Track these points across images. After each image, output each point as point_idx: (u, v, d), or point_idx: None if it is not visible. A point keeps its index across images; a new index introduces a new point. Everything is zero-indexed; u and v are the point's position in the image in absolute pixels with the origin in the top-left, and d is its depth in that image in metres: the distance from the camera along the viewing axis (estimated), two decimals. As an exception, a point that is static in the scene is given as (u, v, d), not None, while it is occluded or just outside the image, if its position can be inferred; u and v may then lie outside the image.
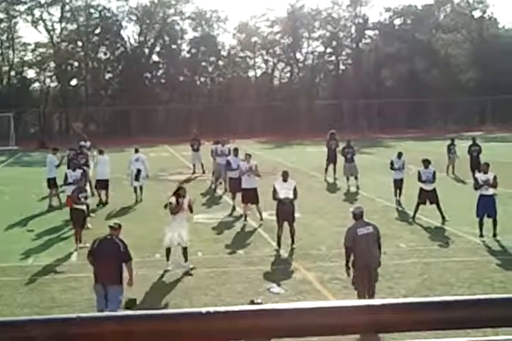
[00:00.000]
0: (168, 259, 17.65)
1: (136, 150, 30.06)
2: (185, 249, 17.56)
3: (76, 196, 20.80)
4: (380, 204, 26.16)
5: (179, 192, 17.72)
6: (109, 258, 13.13)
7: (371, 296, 13.42)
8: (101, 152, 29.62)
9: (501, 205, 21.36)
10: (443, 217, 22.78)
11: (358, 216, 13.97)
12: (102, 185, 28.25)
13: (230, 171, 26.57)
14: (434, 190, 23.09)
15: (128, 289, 13.78)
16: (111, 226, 13.87)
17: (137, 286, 16.11)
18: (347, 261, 13.76)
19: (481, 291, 14.71)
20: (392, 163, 27.31)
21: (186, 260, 17.54)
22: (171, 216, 17.69)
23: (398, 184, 26.94)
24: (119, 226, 13.96)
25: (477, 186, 20.69)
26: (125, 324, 1.52)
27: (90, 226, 22.85)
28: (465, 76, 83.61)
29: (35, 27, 78.65)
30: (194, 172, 36.80)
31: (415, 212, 23.15)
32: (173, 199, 17.70)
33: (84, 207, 21.19)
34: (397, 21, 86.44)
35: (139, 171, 29.04)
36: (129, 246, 20.06)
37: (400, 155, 27.54)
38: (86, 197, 21.26)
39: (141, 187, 29.09)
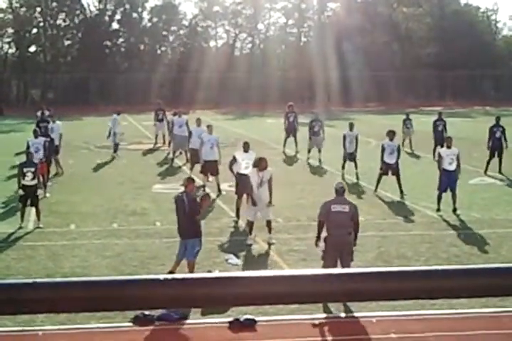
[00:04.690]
0: (250, 233, 17.44)
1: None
2: (269, 222, 17.46)
3: (21, 170, 18.98)
4: (339, 177, 26.26)
5: (258, 165, 17.49)
6: (181, 215, 14.18)
7: None
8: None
9: (458, 181, 21.54)
10: (401, 191, 22.96)
11: (338, 192, 13.70)
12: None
13: (192, 142, 26.40)
14: (397, 163, 23.17)
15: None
16: (183, 184, 14.65)
17: (94, 255, 16.09)
18: (318, 234, 13.65)
19: (437, 265, 14.87)
20: (344, 137, 27.27)
21: (270, 232, 17.42)
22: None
23: (349, 157, 26.89)
24: (189, 180, 14.65)
25: (440, 160, 20.77)
26: (82, 289, 1.51)
27: (48, 195, 22.73)
28: (425, 50, 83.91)
29: (-6, -8, 77.41)
30: (156, 143, 36.56)
31: (377, 183, 23.24)
32: (253, 172, 17.56)
33: (31, 183, 18.73)
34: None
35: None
36: (86, 215, 20.07)
37: (351, 126, 27.50)
38: (34, 173, 18.76)
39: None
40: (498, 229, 18.65)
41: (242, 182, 19.17)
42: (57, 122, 29.15)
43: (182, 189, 14.85)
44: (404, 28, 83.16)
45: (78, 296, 1.50)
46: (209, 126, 24.65)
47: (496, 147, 27.89)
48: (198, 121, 26.88)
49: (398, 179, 23.08)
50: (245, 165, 19.48)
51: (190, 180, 14.64)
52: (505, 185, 25.48)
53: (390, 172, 23.20)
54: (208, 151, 23.72)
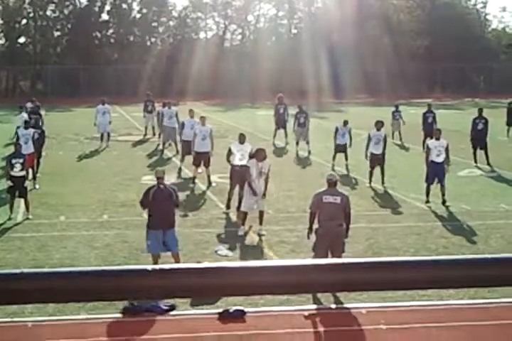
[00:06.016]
0: (243, 224, 17.46)
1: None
2: (261, 213, 17.47)
3: (9, 161, 19.01)
4: (329, 168, 26.27)
5: (257, 155, 17.48)
6: (167, 205, 13.94)
7: None
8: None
9: (447, 172, 21.58)
10: (383, 182, 23.06)
11: (330, 183, 13.67)
12: None
13: (184, 133, 26.28)
14: (383, 153, 23.23)
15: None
16: (159, 177, 14.32)
17: (84, 247, 16.07)
18: (310, 225, 13.66)
19: (426, 256, 14.90)
20: (336, 130, 27.32)
21: (261, 223, 17.42)
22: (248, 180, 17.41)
23: (340, 148, 26.95)
24: (164, 173, 14.56)
25: (428, 152, 20.84)
26: (70, 280, 1.50)
27: (38, 187, 22.66)
28: (416, 43, 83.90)
29: (-18, -18, 76.87)
30: (146, 134, 36.49)
31: (370, 177, 23.29)
32: (253, 162, 17.51)
33: (19, 174, 18.75)
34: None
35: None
36: (75, 206, 20.03)
37: (345, 123, 27.54)
38: (22, 165, 18.81)
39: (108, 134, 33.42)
40: (487, 220, 18.70)
41: (236, 174, 19.21)
42: (23, 114, 29.16)
43: (169, 181, 14.81)
44: (395, 20, 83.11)
45: (66, 286, 1.49)
46: (202, 118, 24.66)
47: (477, 138, 27.94)
48: (191, 113, 26.80)
49: (382, 169, 23.16)
50: (240, 156, 19.52)
51: (164, 172, 14.60)
52: (493, 177, 25.54)
53: (376, 163, 23.29)
54: (199, 143, 23.72)
